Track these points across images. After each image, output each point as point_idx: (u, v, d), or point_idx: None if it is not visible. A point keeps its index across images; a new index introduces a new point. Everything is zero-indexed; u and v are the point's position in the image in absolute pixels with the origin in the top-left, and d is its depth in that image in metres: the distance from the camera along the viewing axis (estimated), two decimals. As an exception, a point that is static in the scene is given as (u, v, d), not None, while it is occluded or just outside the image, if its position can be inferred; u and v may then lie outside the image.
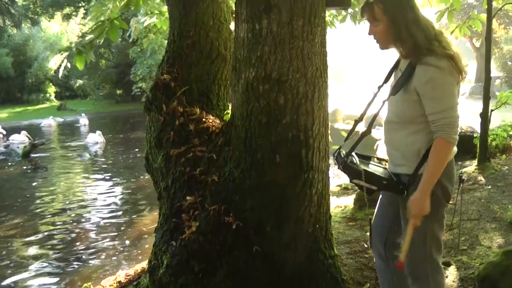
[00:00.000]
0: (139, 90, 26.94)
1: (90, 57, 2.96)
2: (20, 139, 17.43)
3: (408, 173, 2.14)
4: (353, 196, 5.56)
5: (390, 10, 2.09)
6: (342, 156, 2.27)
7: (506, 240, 3.99)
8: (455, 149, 2.14)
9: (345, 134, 2.61)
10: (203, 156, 3.04)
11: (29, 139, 17.21)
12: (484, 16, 6.11)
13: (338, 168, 2.27)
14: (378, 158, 2.52)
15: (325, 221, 3.00)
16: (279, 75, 2.72)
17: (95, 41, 2.96)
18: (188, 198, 2.90)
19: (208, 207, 2.81)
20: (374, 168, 2.31)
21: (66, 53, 2.88)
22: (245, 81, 2.81)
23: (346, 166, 2.23)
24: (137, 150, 15.76)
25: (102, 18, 4.63)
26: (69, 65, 2.94)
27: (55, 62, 2.90)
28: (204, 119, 3.22)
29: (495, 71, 29.38)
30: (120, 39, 27.38)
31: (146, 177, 11.50)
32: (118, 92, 35.28)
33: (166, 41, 3.75)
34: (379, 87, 2.30)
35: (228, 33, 3.69)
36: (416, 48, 2.05)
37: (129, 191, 10.58)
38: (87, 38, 2.87)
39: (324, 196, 2.97)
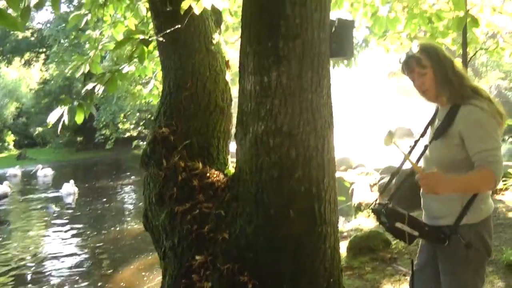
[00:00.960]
0: (102, 137, 26.58)
1: (90, 110, 2.90)
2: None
3: (449, 224, 2.15)
4: (345, 243, 5.54)
5: (434, 55, 2.22)
6: (383, 204, 2.30)
7: (507, 283, 4.03)
8: (492, 204, 2.17)
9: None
10: (210, 213, 2.99)
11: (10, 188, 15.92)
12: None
13: (378, 214, 2.28)
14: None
15: (338, 275, 2.96)
16: (289, 129, 2.73)
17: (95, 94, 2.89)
18: (197, 257, 2.82)
19: (220, 266, 2.75)
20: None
21: (66, 107, 2.81)
22: (253, 135, 2.80)
23: (389, 210, 2.23)
24: (104, 200, 15.39)
25: (82, 68, 4.62)
26: (66, 120, 2.86)
27: (54, 117, 2.82)
28: (208, 174, 3.19)
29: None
30: (80, 84, 27.20)
31: (118, 228, 11.25)
32: (79, 139, 34.68)
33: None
34: (416, 142, 2.38)
35: (224, 84, 3.71)
36: (462, 88, 2.15)
37: (101, 243, 10.24)
38: (89, 89, 2.79)
39: (337, 249, 2.95)
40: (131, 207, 14.76)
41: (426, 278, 2.36)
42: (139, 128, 24.10)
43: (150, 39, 2.69)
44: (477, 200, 2.11)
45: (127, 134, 24.09)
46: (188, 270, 2.84)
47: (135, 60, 5.97)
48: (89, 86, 2.89)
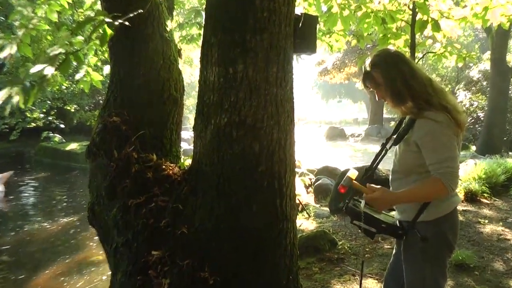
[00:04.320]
0: (6, 126, 25.27)
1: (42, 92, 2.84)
2: None
3: (408, 220, 2.40)
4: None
5: (387, 70, 2.43)
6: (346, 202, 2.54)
7: (456, 282, 4.40)
8: (459, 198, 2.44)
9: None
10: (167, 207, 3.05)
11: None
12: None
13: (343, 210, 2.56)
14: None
15: (296, 272, 3.15)
16: (254, 122, 2.85)
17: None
18: (154, 252, 2.88)
19: (179, 262, 2.82)
20: (385, 216, 2.55)
21: (16, 87, 2.75)
22: (215, 127, 2.90)
23: (347, 208, 2.50)
24: (11, 197, 14.73)
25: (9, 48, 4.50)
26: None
27: (1, 97, 2.76)
28: (163, 167, 3.24)
29: (386, 114, 32.37)
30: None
31: (26, 229, 10.78)
32: (-24, 129, 32.72)
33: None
34: (387, 139, 2.61)
35: (178, 74, 3.78)
36: (415, 100, 2.34)
37: (8, 246, 9.84)
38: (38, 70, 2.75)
39: (295, 246, 3.13)
40: (40, 205, 14.22)
41: (399, 264, 2.60)
42: (50, 118, 23.13)
43: (115, 22, 2.72)
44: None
45: (35, 124, 23.07)
46: (145, 266, 2.89)
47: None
48: (38, 67, 2.85)
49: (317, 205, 8.56)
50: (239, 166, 2.87)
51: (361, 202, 2.53)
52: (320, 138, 31.85)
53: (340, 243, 5.53)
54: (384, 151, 2.60)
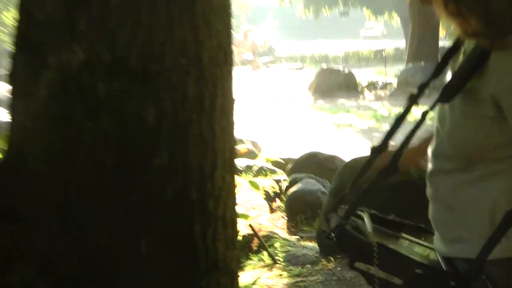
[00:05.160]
0: None
1: None
2: None
3: (469, 256, 1.45)
4: None
5: None
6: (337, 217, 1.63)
7: None
8: None
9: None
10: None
11: None
12: None
13: (328, 238, 1.63)
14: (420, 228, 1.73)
15: None
16: (143, 61, 1.63)
17: None
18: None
19: None
20: (407, 245, 1.67)
21: None
22: (56, 73, 1.64)
23: (340, 234, 1.59)
24: None
25: None
26: None
27: None
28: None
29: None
30: None
31: None
32: None
33: None
34: (421, 89, 1.58)
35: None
36: (492, 18, 1.36)
37: None
38: None
39: None
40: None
41: None
42: None
43: None
44: None
45: None
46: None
47: None
48: None
49: (292, 238, 5.58)
50: (112, 159, 1.59)
51: (365, 219, 1.65)
52: (302, 93, 18.26)
53: None
54: (420, 117, 1.52)
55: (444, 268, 1.50)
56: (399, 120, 1.54)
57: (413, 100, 1.54)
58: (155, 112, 1.56)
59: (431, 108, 1.45)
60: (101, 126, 1.58)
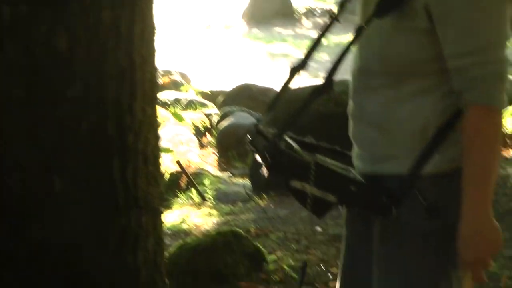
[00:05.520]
0: None
1: None
2: None
3: (400, 173, 1.47)
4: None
5: None
6: (267, 135, 1.54)
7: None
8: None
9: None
10: None
11: None
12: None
13: (261, 158, 1.54)
14: (335, 150, 1.74)
15: None
16: None
17: None
18: None
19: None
20: (331, 162, 1.61)
21: None
22: None
23: (277, 154, 1.52)
24: None
25: None
26: None
27: None
28: None
29: None
30: None
31: None
32: None
33: None
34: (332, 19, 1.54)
35: None
36: None
37: None
38: None
39: (161, 272, 1.90)
40: None
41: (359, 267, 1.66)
42: None
43: None
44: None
45: None
46: None
47: None
48: None
49: (223, 175, 5.54)
50: (19, 91, 1.52)
51: (291, 142, 1.57)
52: (235, 21, 17.65)
53: (273, 257, 3.39)
54: (355, 32, 1.51)
55: (374, 185, 1.54)
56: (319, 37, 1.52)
57: (330, 22, 1.52)
58: (67, 39, 1.47)
59: (367, 23, 1.42)
60: (6, 54, 1.49)
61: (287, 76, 1.56)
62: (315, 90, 1.46)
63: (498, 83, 1.36)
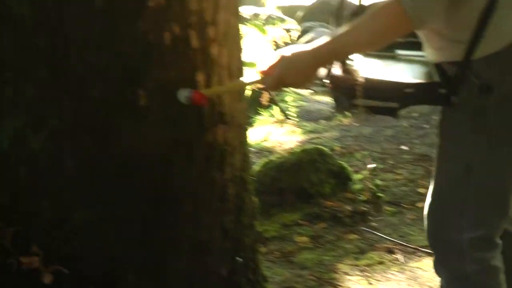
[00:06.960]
0: None
1: None
2: None
3: (453, 60, 1.50)
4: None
5: None
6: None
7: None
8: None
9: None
10: None
11: None
12: None
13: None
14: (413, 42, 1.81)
15: (252, 248, 1.97)
16: None
17: None
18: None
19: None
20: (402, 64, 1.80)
21: None
22: None
23: (333, 78, 1.60)
24: None
25: None
26: None
27: None
28: None
29: None
30: None
31: None
32: None
33: None
34: None
35: None
36: None
37: None
38: None
39: (247, 189, 1.93)
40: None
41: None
42: None
43: None
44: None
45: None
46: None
47: None
48: None
49: (305, 92, 5.51)
50: (100, 1, 1.43)
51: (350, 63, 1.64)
52: None
53: (359, 176, 3.29)
54: None
55: (434, 79, 1.57)
56: None
57: None
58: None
59: None
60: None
61: None
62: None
63: None
